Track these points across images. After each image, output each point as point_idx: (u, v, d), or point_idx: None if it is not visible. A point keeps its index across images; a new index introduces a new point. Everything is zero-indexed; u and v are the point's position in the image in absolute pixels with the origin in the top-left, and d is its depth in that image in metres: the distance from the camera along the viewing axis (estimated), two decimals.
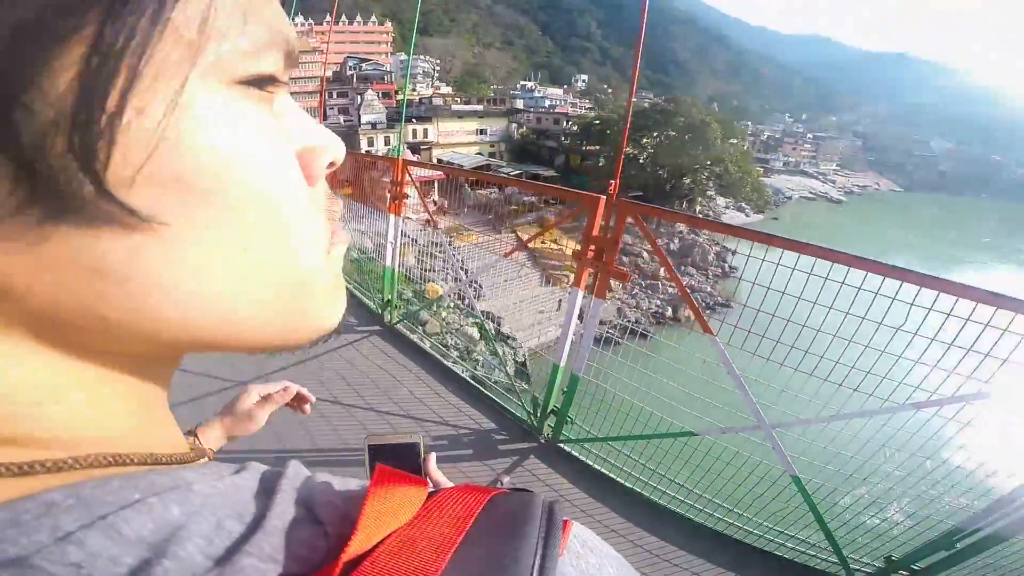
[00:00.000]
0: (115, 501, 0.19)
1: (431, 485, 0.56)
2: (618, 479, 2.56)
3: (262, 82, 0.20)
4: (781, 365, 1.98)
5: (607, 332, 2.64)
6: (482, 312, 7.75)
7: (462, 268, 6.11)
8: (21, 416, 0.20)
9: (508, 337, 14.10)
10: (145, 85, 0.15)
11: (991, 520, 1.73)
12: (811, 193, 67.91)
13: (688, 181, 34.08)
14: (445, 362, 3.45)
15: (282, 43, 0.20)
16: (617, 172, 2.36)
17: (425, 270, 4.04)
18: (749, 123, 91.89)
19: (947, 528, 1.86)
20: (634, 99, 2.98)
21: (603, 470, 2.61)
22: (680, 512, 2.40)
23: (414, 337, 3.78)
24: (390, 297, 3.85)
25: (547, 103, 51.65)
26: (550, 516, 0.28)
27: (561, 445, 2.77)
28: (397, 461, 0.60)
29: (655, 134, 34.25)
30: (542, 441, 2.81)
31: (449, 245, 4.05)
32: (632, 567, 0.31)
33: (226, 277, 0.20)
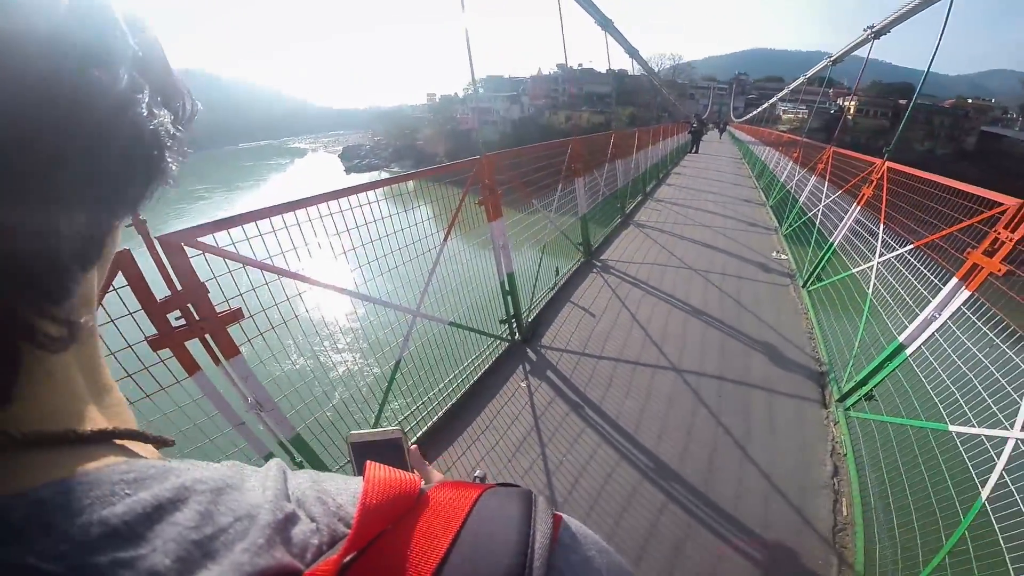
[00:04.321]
0: (105, 497, 0.20)
1: (420, 479, 0.57)
2: None
3: None
4: None
5: None
6: None
7: None
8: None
9: None
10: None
11: None
12: None
13: None
14: None
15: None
16: None
17: None
18: None
19: None
20: None
21: None
22: None
23: None
24: None
25: None
26: (541, 509, 0.30)
27: None
28: (382, 457, 0.55)
29: None
30: None
31: None
32: (621, 559, 0.32)
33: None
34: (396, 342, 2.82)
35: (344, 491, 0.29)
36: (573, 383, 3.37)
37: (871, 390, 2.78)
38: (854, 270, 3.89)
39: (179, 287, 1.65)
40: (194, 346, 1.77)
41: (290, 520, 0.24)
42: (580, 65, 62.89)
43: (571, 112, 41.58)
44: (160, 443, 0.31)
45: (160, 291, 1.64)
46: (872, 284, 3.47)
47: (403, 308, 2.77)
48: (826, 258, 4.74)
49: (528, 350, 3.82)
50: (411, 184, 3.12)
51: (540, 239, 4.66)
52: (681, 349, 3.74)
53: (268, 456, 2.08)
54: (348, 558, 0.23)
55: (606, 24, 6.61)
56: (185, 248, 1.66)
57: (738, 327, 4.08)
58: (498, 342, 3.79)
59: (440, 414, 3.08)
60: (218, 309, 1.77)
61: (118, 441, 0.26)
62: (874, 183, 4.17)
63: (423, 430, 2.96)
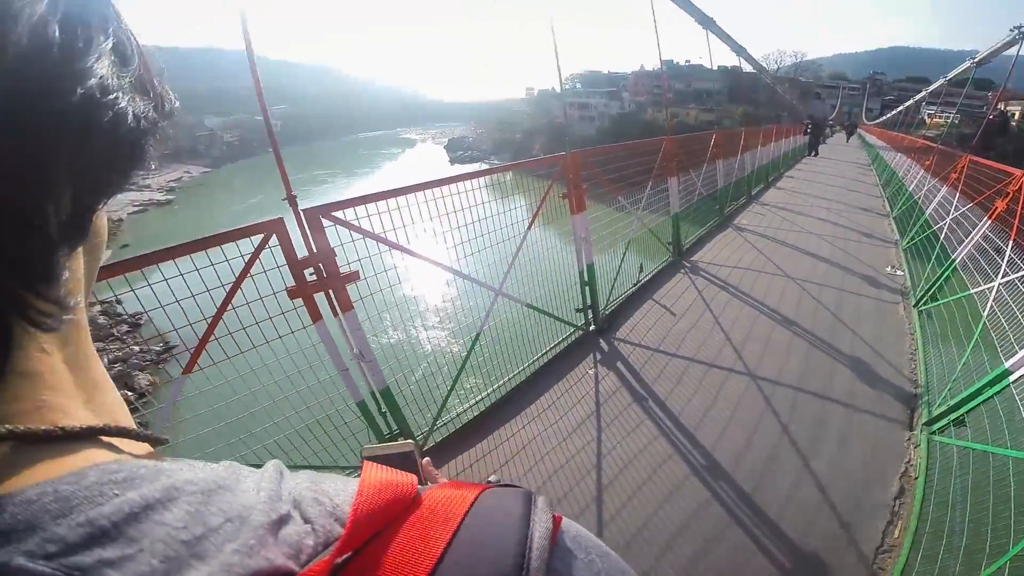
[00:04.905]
0: (93, 497, 0.20)
1: (416, 480, 0.63)
2: None
3: None
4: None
5: None
6: None
7: None
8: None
9: None
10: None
11: None
12: (137, 205, 62.10)
13: None
14: None
15: None
16: None
17: None
18: None
19: None
20: None
21: None
22: None
23: None
24: None
25: None
26: (539, 511, 0.29)
27: None
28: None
29: None
30: None
31: None
32: (623, 561, 0.32)
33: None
34: (478, 319, 3.12)
35: (342, 492, 0.29)
36: (641, 376, 3.43)
37: (963, 415, 2.53)
38: (972, 291, 3.46)
39: (315, 249, 2.07)
40: (315, 302, 2.19)
41: (284, 521, 0.24)
42: (688, 61, 59.57)
43: (677, 109, 39.55)
44: (154, 442, 0.30)
45: (300, 252, 2.08)
46: (989, 306, 3.09)
47: (487, 285, 3.07)
48: (945, 276, 4.22)
49: (601, 340, 3.93)
50: (509, 175, 3.37)
51: (625, 235, 4.71)
52: (760, 356, 3.62)
53: (361, 403, 2.49)
54: (341, 559, 0.24)
55: (707, 22, 6.39)
56: (322, 219, 2.08)
57: (830, 340, 3.83)
58: (572, 329, 3.95)
59: (508, 389, 3.34)
60: (341, 271, 2.18)
61: (109, 439, 0.26)
62: (1010, 195, 3.67)
63: (488, 404, 3.23)
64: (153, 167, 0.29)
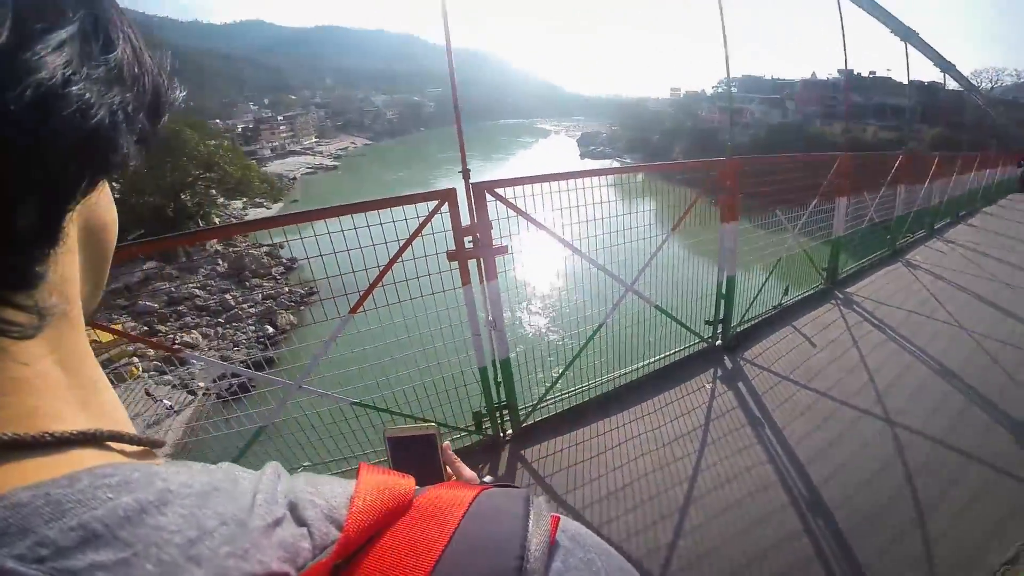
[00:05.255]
0: (86, 501, 0.19)
1: (451, 473, 0.65)
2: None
3: None
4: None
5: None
6: None
7: None
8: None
9: None
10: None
11: None
12: (309, 168, 71.94)
13: (188, 197, 29.18)
14: None
15: None
16: None
17: None
18: (219, 121, 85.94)
19: None
20: None
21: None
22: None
23: None
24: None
25: None
26: (537, 511, 0.29)
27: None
28: (415, 452, 0.63)
29: None
30: None
31: None
32: (624, 560, 0.32)
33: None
34: (599, 312, 3.18)
35: (340, 494, 0.28)
36: (762, 400, 3.22)
37: None
38: None
39: (476, 219, 2.29)
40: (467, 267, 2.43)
41: (280, 524, 0.24)
42: (873, 73, 51.44)
43: (852, 125, 34.67)
44: (150, 445, 0.30)
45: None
46: None
47: (620, 280, 3.11)
48: None
49: (726, 357, 3.74)
50: (640, 176, 3.34)
51: (773, 252, 4.37)
52: (905, 404, 3.16)
53: (483, 369, 2.70)
54: (338, 562, 0.24)
55: (908, 35, 5.48)
56: (486, 194, 2.30)
57: (995, 402, 3.19)
58: (696, 340, 3.80)
59: (616, 385, 3.36)
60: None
61: (104, 442, 0.26)
62: None
63: (593, 395, 3.28)
64: (135, 162, 0.27)
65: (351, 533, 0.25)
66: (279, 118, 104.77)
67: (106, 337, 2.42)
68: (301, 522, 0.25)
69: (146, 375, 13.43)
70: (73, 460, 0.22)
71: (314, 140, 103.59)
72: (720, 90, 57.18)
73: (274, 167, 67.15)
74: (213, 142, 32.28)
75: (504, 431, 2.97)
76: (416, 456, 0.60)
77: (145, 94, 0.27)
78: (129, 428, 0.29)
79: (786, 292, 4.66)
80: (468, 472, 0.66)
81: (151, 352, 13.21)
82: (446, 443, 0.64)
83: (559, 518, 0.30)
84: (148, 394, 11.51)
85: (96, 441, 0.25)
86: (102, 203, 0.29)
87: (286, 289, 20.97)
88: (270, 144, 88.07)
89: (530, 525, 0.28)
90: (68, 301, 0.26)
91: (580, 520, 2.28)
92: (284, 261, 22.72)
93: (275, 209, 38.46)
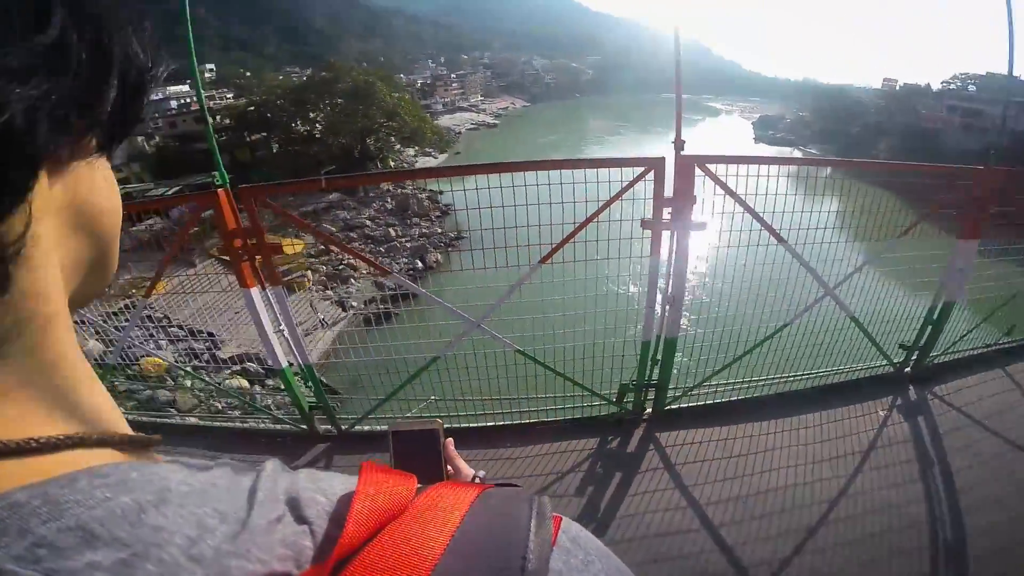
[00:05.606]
0: (84, 501, 0.19)
1: (450, 470, 0.66)
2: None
3: None
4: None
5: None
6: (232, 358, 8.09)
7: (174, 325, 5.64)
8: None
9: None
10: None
11: None
12: (472, 124, 78.71)
13: (372, 141, 34.25)
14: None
15: None
16: (217, 160, 2.23)
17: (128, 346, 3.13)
18: (402, 76, 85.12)
19: None
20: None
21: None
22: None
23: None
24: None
25: (174, 104, 41.71)
26: (539, 510, 0.29)
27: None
28: (418, 447, 0.63)
29: (322, 106, 33.46)
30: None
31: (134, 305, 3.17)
32: (621, 562, 0.32)
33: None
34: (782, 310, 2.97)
35: (340, 492, 0.28)
36: (940, 440, 2.80)
37: None
38: None
39: (681, 192, 2.29)
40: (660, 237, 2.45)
41: (281, 522, 0.24)
42: None
43: None
44: (145, 443, 0.29)
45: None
46: None
47: (822, 282, 2.81)
48: None
49: (912, 387, 3.25)
50: (828, 170, 3.04)
51: (1009, 287, 3.59)
52: None
53: (646, 344, 2.71)
54: (339, 561, 0.23)
55: None
56: (696, 168, 2.26)
57: None
58: (882, 360, 3.32)
59: (781, 390, 3.16)
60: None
61: (101, 442, 0.25)
62: None
63: (747, 394, 3.12)
64: (113, 158, 0.26)
65: (352, 532, 0.24)
66: (452, 76, 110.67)
67: (290, 249, 2.88)
68: (302, 520, 0.25)
69: (313, 288, 16.05)
70: (71, 461, 0.22)
71: (480, 98, 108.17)
72: (953, 87, 46.99)
73: (444, 120, 70.62)
74: (397, 94, 36.90)
75: (644, 409, 2.98)
76: (418, 450, 0.62)
77: (104, 78, 0.24)
78: (122, 426, 0.30)
79: (1008, 332, 3.78)
80: (467, 469, 0.68)
81: (323, 268, 15.62)
82: (448, 439, 0.65)
83: (561, 519, 0.30)
84: (311, 306, 13.55)
85: (85, 443, 0.24)
86: (97, 188, 0.27)
87: (438, 230, 23.82)
88: (443, 100, 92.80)
89: (531, 525, 0.27)
90: (47, 302, 0.24)
91: (699, 517, 2.32)
92: (441, 206, 25.54)
93: (441, 159, 43.20)
